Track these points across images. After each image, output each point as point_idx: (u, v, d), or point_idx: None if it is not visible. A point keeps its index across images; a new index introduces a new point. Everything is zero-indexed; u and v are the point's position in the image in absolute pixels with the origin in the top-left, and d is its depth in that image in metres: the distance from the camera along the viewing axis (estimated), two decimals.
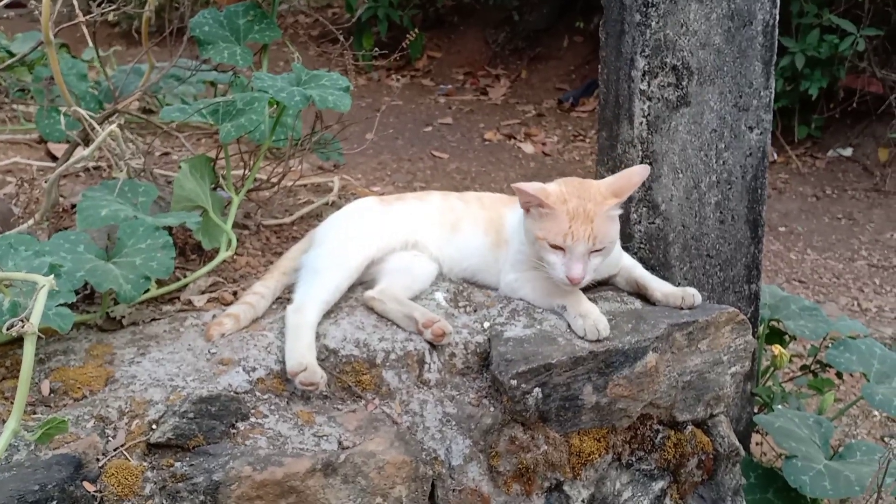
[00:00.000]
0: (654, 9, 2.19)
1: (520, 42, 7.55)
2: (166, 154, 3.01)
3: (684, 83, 2.27)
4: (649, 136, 2.28)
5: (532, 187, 1.80)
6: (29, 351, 1.18)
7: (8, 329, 1.14)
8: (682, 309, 1.92)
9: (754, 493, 2.29)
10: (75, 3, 2.16)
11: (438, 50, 7.88)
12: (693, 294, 1.93)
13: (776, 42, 2.37)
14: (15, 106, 3.28)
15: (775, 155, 5.74)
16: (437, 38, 7.94)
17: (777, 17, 2.35)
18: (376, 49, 3.21)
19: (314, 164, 3.17)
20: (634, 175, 1.84)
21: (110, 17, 2.41)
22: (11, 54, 3.21)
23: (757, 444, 2.81)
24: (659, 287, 1.97)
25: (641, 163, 2.30)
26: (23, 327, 1.14)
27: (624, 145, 2.31)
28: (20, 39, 3.66)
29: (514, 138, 6.32)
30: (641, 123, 2.27)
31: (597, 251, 1.77)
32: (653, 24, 2.20)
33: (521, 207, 1.85)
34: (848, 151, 5.79)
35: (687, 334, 1.85)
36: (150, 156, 2.70)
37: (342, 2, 7.67)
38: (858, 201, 5.42)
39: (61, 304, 1.49)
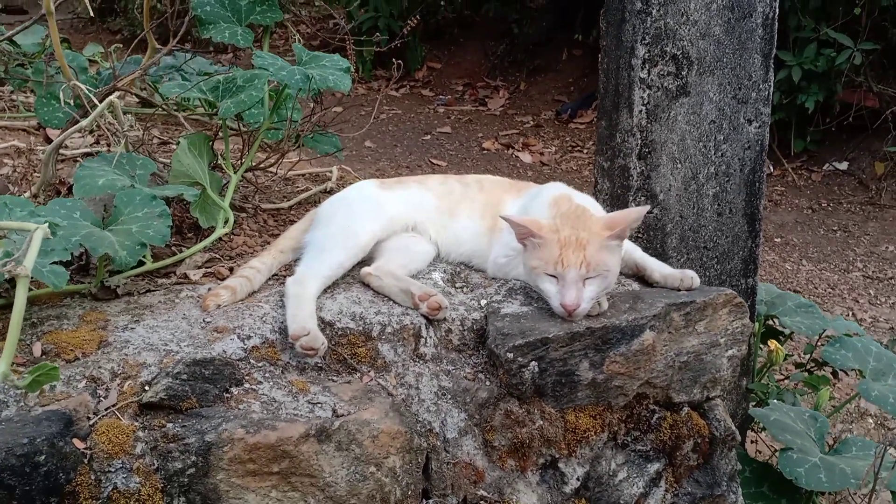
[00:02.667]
0: None
1: (519, 54, 7.59)
2: (165, 143, 3.01)
3: (684, 73, 2.28)
4: (648, 125, 2.28)
5: (523, 219, 1.81)
6: (21, 294, 1.16)
7: (2, 269, 1.13)
8: (679, 291, 1.91)
9: (749, 487, 2.27)
10: None
11: (438, 61, 7.91)
12: (692, 276, 1.92)
13: (776, 35, 2.39)
14: (14, 97, 3.28)
15: (772, 167, 5.76)
16: (437, 49, 7.98)
17: (777, 11, 2.36)
18: (377, 63, 3.22)
19: (314, 162, 3.18)
20: (632, 213, 1.83)
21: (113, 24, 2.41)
22: (13, 43, 3.21)
23: (752, 441, 2.80)
24: (658, 268, 1.96)
25: (640, 152, 2.31)
26: (16, 269, 1.13)
27: (623, 134, 2.32)
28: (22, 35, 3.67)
29: (513, 148, 6.34)
30: (641, 112, 2.27)
31: (592, 279, 1.75)
32: (654, 12, 2.22)
33: (517, 242, 1.84)
34: (844, 165, 5.82)
35: (684, 315, 1.84)
36: (148, 142, 2.69)
37: (343, 12, 7.74)
38: (854, 214, 5.43)
39: (55, 262, 1.48)
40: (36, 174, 2.23)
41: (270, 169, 2.68)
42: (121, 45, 4.23)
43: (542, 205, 1.94)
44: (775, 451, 2.64)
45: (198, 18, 2.21)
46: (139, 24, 2.38)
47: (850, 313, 4.39)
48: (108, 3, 8.65)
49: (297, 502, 1.49)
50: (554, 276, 1.76)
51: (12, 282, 1.62)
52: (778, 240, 5.13)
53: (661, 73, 2.26)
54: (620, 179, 2.35)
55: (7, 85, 3.22)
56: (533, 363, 1.69)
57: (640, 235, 2.34)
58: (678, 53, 2.26)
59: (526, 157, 6.18)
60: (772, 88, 2.41)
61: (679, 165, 2.33)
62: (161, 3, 2.46)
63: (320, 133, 2.66)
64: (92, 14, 2.47)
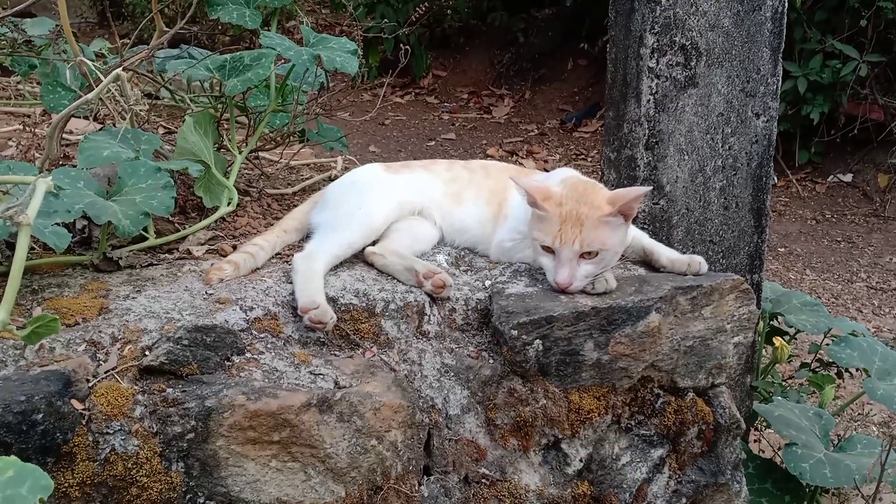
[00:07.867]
0: None
1: (524, 63, 7.61)
2: (169, 132, 3.00)
3: (692, 63, 2.27)
4: (656, 115, 2.27)
5: (530, 185, 1.79)
6: (23, 243, 1.15)
7: (4, 214, 1.12)
8: (687, 276, 1.90)
9: (753, 483, 2.24)
10: None
11: (444, 69, 7.94)
12: (700, 262, 1.90)
13: (784, 30, 2.38)
14: (21, 86, 3.28)
15: (776, 178, 5.75)
16: (442, 57, 8.01)
17: (786, 5, 2.35)
18: (381, 70, 3.21)
19: (318, 153, 3.17)
20: (633, 191, 1.81)
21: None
22: (15, 25, 3.21)
23: (754, 440, 2.77)
24: (665, 253, 1.95)
25: (648, 142, 2.30)
26: (18, 216, 1.11)
27: (630, 124, 2.31)
28: (29, 24, 3.68)
29: (517, 155, 6.34)
30: (649, 101, 2.26)
31: (588, 257, 1.74)
32: (663, 1, 2.21)
33: (527, 203, 1.83)
34: (848, 177, 5.81)
35: (691, 299, 1.82)
36: (154, 126, 2.69)
37: (349, 20, 7.79)
38: (858, 226, 5.42)
39: (57, 224, 1.47)
40: (39, 153, 2.22)
41: (273, 157, 2.67)
42: (128, 42, 4.23)
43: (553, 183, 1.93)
44: (778, 448, 2.62)
45: None
46: (146, 27, 2.38)
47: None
48: (115, 6, 8.71)
49: (297, 473, 1.47)
50: (552, 252, 1.75)
51: (11, 247, 1.62)
52: (782, 249, 5.12)
53: (670, 62, 2.25)
54: (627, 170, 2.34)
55: (14, 75, 3.23)
56: (537, 341, 1.68)
57: (646, 227, 2.32)
58: (687, 44, 2.26)
59: (530, 164, 6.18)
60: (780, 83, 2.40)
61: (686, 157, 2.32)
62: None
63: (324, 126, 2.65)
64: None
